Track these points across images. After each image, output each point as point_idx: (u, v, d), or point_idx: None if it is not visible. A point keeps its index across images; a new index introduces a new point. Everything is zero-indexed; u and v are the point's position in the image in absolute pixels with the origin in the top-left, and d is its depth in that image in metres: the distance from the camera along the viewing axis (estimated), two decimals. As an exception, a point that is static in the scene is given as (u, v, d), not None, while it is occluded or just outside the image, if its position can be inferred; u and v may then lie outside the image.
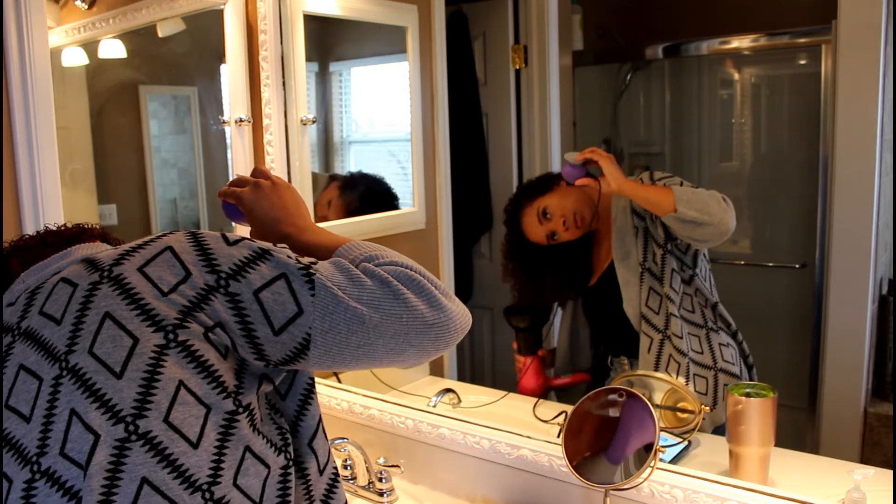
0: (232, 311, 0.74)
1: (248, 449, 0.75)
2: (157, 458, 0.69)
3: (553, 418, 1.36)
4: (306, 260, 0.79)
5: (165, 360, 0.71)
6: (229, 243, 0.78)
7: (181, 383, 0.71)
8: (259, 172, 1.02)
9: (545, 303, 1.72)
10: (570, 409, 1.21)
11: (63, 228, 0.94)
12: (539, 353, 1.70)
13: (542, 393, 1.68)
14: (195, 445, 0.71)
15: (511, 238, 1.64)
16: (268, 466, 0.77)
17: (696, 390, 1.41)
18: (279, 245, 0.81)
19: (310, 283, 0.75)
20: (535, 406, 1.53)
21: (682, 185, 1.42)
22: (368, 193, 1.87)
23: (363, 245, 0.85)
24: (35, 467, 0.69)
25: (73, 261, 0.82)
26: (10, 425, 0.72)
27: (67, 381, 0.71)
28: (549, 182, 1.60)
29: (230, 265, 0.76)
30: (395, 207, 1.85)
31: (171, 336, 0.72)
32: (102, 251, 0.81)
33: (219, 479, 0.72)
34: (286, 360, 0.76)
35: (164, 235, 0.79)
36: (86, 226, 0.96)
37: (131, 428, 0.69)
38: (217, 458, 0.72)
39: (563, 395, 1.74)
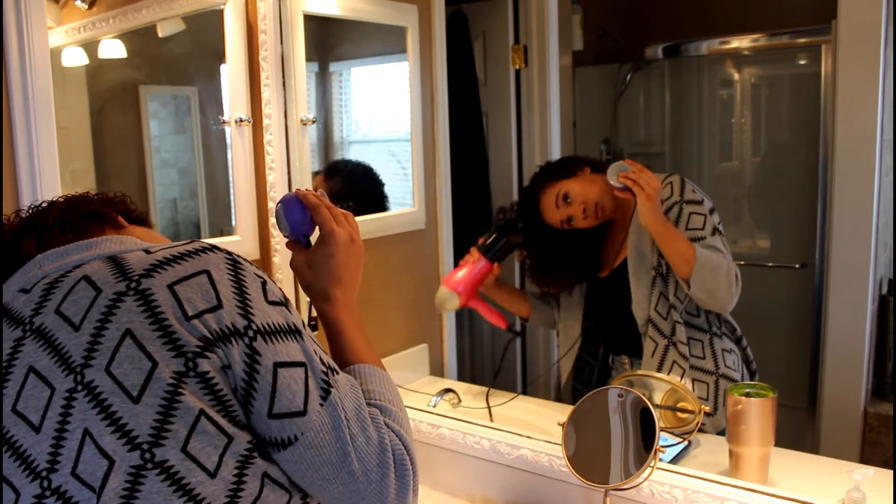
0: (245, 366, 0.71)
1: (265, 475, 0.73)
2: (174, 488, 0.67)
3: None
4: (328, 363, 0.77)
5: (184, 388, 0.69)
6: (267, 300, 0.75)
7: (202, 412, 0.69)
8: (351, 224, 0.96)
9: (552, 286, 1.65)
10: (563, 419, 1.21)
11: (80, 200, 0.88)
12: (494, 267, 1.63)
13: (462, 300, 1.61)
14: (213, 475, 0.69)
15: (526, 217, 1.59)
16: (288, 492, 0.75)
17: (696, 396, 1.41)
18: (307, 329, 0.78)
19: (324, 392, 0.74)
20: (487, 395, 1.50)
21: (714, 232, 1.39)
22: (353, 177, 1.85)
23: (382, 382, 0.84)
24: (45, 483, 0.68)
25: (98, 255, 0.77)
26: (17, 432, 0.70)
27: (82, 397, 0.68)
28: (573, 166, 1.55)
29: (263, 322, 0.73)
30: (383, 198, 1.84)
31: (190, 364, 0.69)
32: (131, 251, 0.77)
33: None
34: (262, 439, 0.73)
35: (203, 253, 0.75)
36: (107, 196, 0.91)
37: (147, 456, 0.67)
38: (235, 486, 0.70)
39: (561, 395, 1.74)
